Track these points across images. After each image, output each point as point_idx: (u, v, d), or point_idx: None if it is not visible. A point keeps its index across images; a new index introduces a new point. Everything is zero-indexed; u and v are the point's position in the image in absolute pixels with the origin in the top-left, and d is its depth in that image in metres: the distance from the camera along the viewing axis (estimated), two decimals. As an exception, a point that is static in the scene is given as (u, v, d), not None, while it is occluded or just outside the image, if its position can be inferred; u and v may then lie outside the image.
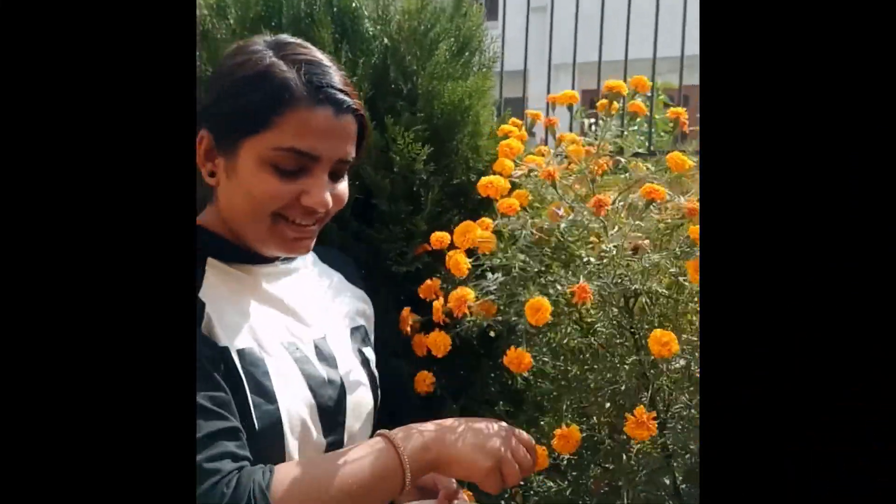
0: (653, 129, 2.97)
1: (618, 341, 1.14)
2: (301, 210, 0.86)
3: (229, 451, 0.76)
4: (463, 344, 1.10)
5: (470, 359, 1.23)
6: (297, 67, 0.84)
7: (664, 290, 1.09)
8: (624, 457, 1.14)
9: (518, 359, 1.00)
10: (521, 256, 1.11)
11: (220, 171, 0.87)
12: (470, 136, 1.26)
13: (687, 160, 1.13)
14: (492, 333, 1.21)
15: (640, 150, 1.84)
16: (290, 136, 0.82)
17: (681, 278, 1.07)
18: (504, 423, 0.90)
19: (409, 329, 1.14)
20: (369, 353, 1.02)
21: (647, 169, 1.26)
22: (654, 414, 0.98)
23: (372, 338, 1.07)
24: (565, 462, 1.18)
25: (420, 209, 1.20)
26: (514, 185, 1.16)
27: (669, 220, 1.12)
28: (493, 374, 1.26)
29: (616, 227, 1.12)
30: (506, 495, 1.20)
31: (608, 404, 1.14)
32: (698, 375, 0.97)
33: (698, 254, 0.98)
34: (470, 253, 1.12)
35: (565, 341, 1.19)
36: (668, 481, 1.11)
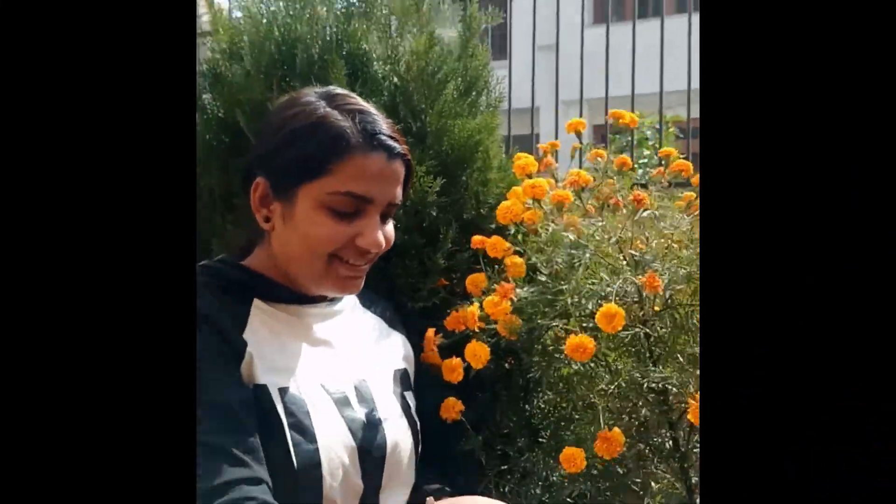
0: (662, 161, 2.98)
1: (639, 372, 1.12)
2: (355, 251, 0.90)
3: (252, 496, 0.76)
4: (480, 376, 1.10)
5: (488, 391, 1.23)
6: (351, 116, 0.89)
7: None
8: (645, 486, 1.13)
9: (582, 345, 0.96)
10: (560, 260, 1.10)
11: (276, 216, 0.91)
12: (479, 171, 1.28)
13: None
14: (506, 365, 1.22)
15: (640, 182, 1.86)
16: (348, 180, 0.87)
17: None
18: None
19: (434, 349, 1.12)
20: (411, 398, 1.04)
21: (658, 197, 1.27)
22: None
23: (412, 382, 1.08)
24: (588, 496, 1.16)
25: (433, 243, 1.22)
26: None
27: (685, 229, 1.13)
28: (512, 408, 1.25)
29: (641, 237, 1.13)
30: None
31: (635, 424, 1.12)
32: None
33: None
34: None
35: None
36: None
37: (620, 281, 1.03)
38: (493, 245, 1.13)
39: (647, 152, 4.14)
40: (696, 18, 2.60)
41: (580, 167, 1.53)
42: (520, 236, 1.20)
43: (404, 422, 0.98)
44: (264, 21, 1.21)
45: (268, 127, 0.94)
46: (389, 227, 0.95)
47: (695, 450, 1.09)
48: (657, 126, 3.23)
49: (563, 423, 1.17)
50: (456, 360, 1.05)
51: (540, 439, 1.20)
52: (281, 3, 1.24)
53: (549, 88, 2.93)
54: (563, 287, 1.04)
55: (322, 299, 0.98)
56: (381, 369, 1.01)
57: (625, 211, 1.15)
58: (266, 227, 0.93)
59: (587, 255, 1.07)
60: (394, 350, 1.06)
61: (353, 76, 1.24)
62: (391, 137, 0.91)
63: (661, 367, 1.06)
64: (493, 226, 1.23)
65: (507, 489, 1.12)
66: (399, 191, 0.94)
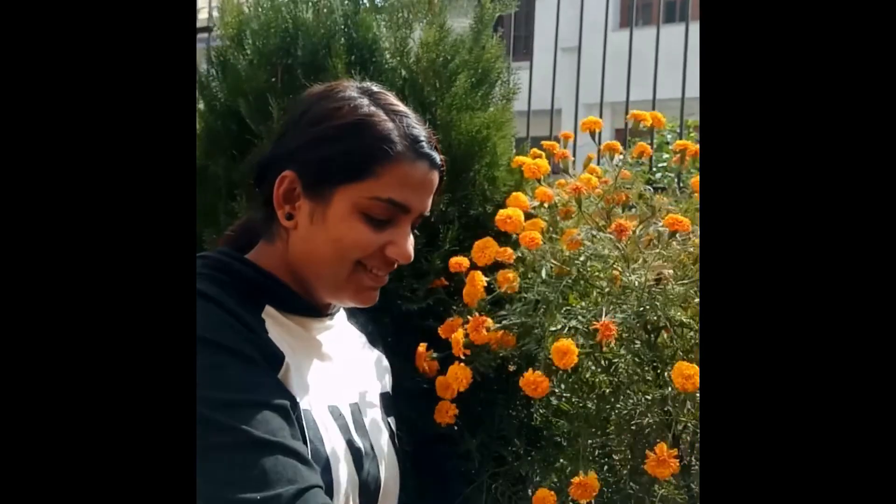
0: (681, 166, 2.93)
1: (637, 377, 1.10)
2: (382, 260, 0.85)
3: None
4: (477, 379, 1.07)
5: (486, 394, 1.20)
6: (395, 118, 0.84)
7: (689, 320, 1.05)
8: (647, 501, 1.09)
9: (535, 382, 0.97)
10: (541, 287, 1.09)
11: (303, 214, 0.84)
12: (487, 168, 1.25)
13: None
14: (511, 367, 1.19)
15: (659, 185, 1.82)
16: (390, 187, 0.82)
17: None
18: None
19: (425, 366, 1.11)
20: (393, 423, 0.98)
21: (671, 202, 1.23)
22: (675, 451, 0.93)
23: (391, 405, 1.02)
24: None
25: (436, 242, 1.19)
26: (529, 216, 1.14)
27: (692, 250, 1.09)
28: (510, 411, 1.22)
29: (639, 259, 1.10)
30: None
31: (627, 440, 1.09)
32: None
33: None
34: (488, 290, 1.11)
35: (587, 376, 1.15)
36: (691, 527, 1.06)
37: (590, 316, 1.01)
38: (472, 279, 1.09)
39: (666, 156, 4.08)
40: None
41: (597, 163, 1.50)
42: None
43: (393, 453, 0.93)
44: (270, 9, 1.19)
45: (303, 117, 0.86)
46: (412, 239, 0.88)
47: (697, 460, 1.06)
48: (678, 130, 3.18)
49: (562, 431, 1.14)
50: (448, 379, 1.04)
51: (539, 444, 1.16)
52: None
53: (570, 91, 2.89)
54: (539, 321, 1.02)
55: (325, 312, 0.91)
56: (370, 392, 0.95)
57: (617, 235, 1.10)
58: (288, 224, 0.85)
59: (564, 282, 1.05)
60: (379, 370, 1.00)
61: (361, 66, 1.22)
62: (432, 146, 0.86)
63: (660, 380, 1.03)
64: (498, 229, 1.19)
65: (499, 492, 1.08)
66: (430, 202, 0.88)
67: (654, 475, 0.93)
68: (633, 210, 1.18)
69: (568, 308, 1.09)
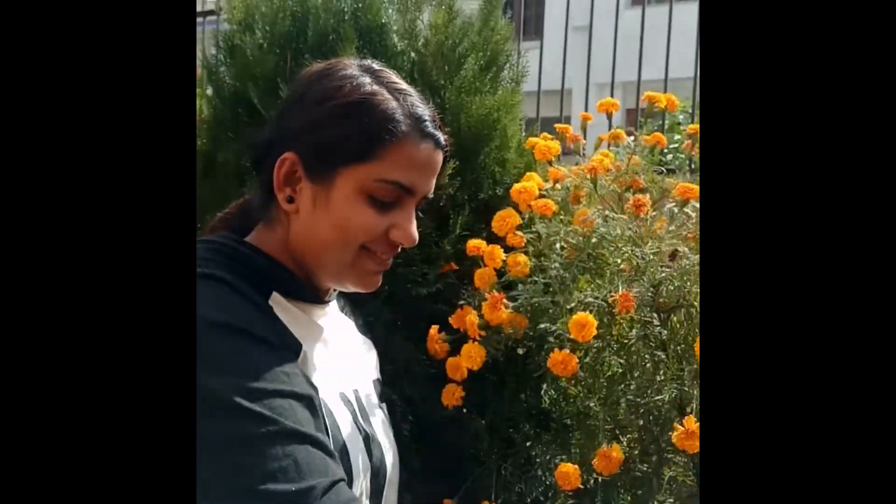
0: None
1: (649, 359, 1.10)
2: (387, 243, 0.83)
3: (354, 498, 0.72)
4: (488, 362, 1.08)
5: (496, 378, 1.20)
6: (398, 97, 0.81)
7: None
8: (654, 482, 1.10)
9: (564, 361, 0.96)
10: (555, 266, 1.09)
11: (305, 197, 0.82)
12: (497, 150, 1.25)
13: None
14: (520, 351, 1.19)
15: (670, 167, 1.81)
16: (396, 168, 0.79)
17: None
18: None
19: (437, 347, 1.12)
20: (385, 410, 0.97)
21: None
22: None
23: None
24: (595, 484, 1.13)
25: (445, 226, 1.19)
26: (541, 197, 1.14)
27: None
28: (519, 395, 1.23)
29: (649, 241, 1.09)
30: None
31: (641, 422, 1.09)
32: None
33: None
34: (499, 274, 1.11)
35: (600, 356, 1.15)
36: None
37: (608, 291, 1.00)
38: (491, 255, 1.09)
39: (677, 137, 4.05)
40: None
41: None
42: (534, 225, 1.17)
43: (391, 437, 0.93)
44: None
45: (304, 98, 0.83)
46: (415, 222, 0.86)
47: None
48: (690, 111, 3.15)
49: (571, 413, 1.14)
50: (460, 360, 1.05)
51: (548, 426, 1.17)
52: (298, -26, 1.21)
53: (581, 70, 2.87)
54: (559, 299, 1.01)
55: (324, 298, 0.89)
56: (366, 378, 0.95)
57: (634, 211, 1.10)
58: (288, 207, 0.82)
59: (580, 257, 1.04)
60: (370, 357, 0.99)
61: (370, 50, 1.21)
62: (437, 125, 0.83)
63: (670, 364, 1.03)
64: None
65: (509, 473, 1.09)
66: (434, 184, 0.86)
67: (681, 448, 0.92)
68: (646, 194, 1.18)
69: (582, 288, 1.09)
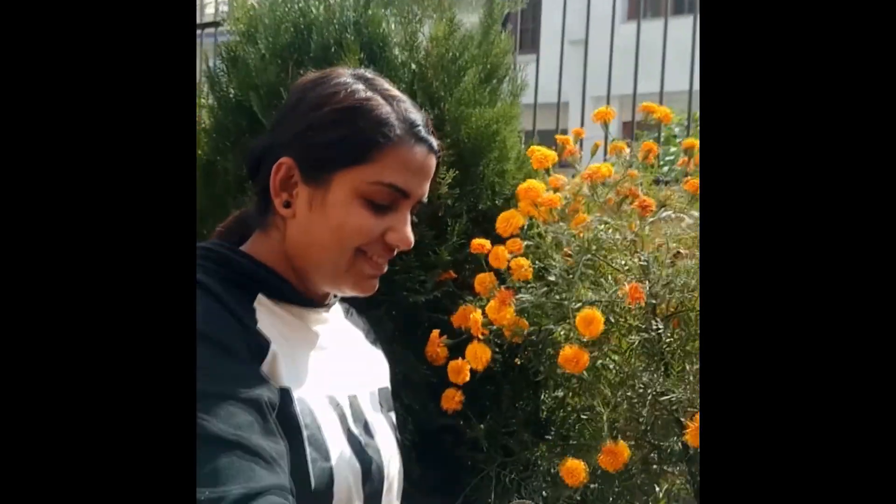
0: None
1: (647, 366, 1.10)
2: (383, 246, 0.84)
3: None
4: (488, 368, 1.08)
5: (494, 387, 1.21)
6: (391, 102, 0.83)
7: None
8: (654, 490, 1.11)
9: (575, 357, 0.96)
10: (557, 270, 1.09)
11: (301, 201, 0.83)
12: (496, 162, 1.26)
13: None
14: (518, 361, 1.20)
15: (666, 179, 1.83)
16: (391, 171, 0.81)
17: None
18: None
19: (437, 351, 1.12)
20: (393, 417, 0.97)
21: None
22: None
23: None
24: (591, 494, 1.14)
25: (443, 236, 1.20)
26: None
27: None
28: (517, 404, 1.23)
29: (650, 246, 1.11)
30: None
31: (641, 428, 1.10)
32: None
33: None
34: (500, 280, 1.12)
35: (599, 363, 1.15)
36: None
37: (614, 289, 1.01)
38: (496, 255, 1.10)
39: (673, 149, 4.07)
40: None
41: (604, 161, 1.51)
42: (533, 230, 1.18)
43: (395, 446, 0.92)
44: (281, 4, 1.19)
45: (299, 104, 0.85)
46: (410, 225, 0.87)
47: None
48: (686, 123, 3.18)
49: (569, 422, 1.15)
50: (462, 362, 1.04)
51: (546, 435, 1.18)
52: (300, -14, 1.23)
53: (577, 83, 2.89)
54: (564, 296, 1.02)
55: (321, 303, 0.90)
56: (369, 385, 0.94)
57: (640, 212, 1.11)
58: (285, 212, 0.84)
59: (584, 259, 1.05)
60: (378, 365, 0.99)
61: (371, 61, 1.22)
62: (429, 131, 0.85)
63: (669, 372, 1.03)
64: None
65: (508, 481, 1.10)
66: (427, 188, 0.87)
67: (695, 445, 0.92)
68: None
69: (584, 293, 1.10)
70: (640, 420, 1.07)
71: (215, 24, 2.41)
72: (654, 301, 1.04)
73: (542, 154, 1.21)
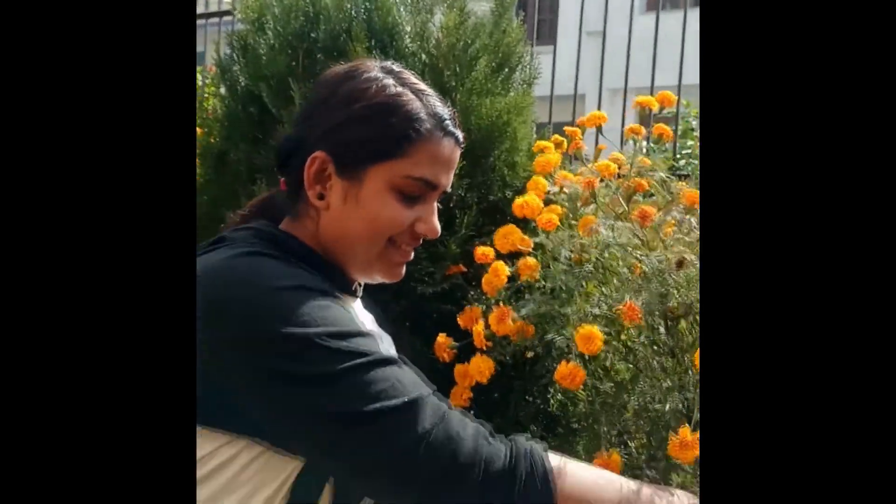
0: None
1: (657, 365, 1.09)
2: (412, 236, 0.88)
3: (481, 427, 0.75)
4: (499, 368, 1.08)
5: (504, 381, 1.20)
6: (419, 96, 0.86)
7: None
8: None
9: (571, 374, 0.97)
10: (561, 276, 1.09)
11: (336, 194, 0.86)
12: (507, 153, 1.25)
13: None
14: (529, 354, 1.19)
15: (683, 172, 1.80)
16: (422, 165, 0.84)
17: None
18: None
19: (445, 356, 1.12)
20: None
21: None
22: (698, 434, 0.93)
23: None
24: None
25: (453, 227, 1.19)
26: (548, 202, 1.14)
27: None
28: (527, 398, 1.22)
29: (658, 246, 1.09)
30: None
31: (648, 427, 1.09)
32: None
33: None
34: (508, 279, 1.11)
35: (606, 363, 1.15)
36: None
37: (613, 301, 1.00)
38: (496, 270, 1.10)
39: (690, 143, 4.02)
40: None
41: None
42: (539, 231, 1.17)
43: None
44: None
45: (330, 99, 0.88)
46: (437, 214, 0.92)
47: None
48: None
49: (578, 421, 1.14)
50: (467, 367, 1.05)
51: (554, 431, 1.17)
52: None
53: (594, 75, 2.86)
54: (566, 309, 1.02)
55: (354, 290, 0.93)
56: None
57: (641, 222, 1.09)
58: (319, 204, 0.87)
59: (588, 267, 1.04)
60: (391, 349, 1.02)
61: (381, 51, 1.21)
62: (455, 124, 0.88)
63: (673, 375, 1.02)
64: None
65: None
66: (452, 178, 0.91)
67: (676, 458, 0.92)
68: (654, 198, 1.18)
69: (589, 295, 1.09)
70: (648, 417, 1.05)
71: (226, 13, 2.41)
72: (657, 305, 1.02)
73: (545, 159, 1.19)
